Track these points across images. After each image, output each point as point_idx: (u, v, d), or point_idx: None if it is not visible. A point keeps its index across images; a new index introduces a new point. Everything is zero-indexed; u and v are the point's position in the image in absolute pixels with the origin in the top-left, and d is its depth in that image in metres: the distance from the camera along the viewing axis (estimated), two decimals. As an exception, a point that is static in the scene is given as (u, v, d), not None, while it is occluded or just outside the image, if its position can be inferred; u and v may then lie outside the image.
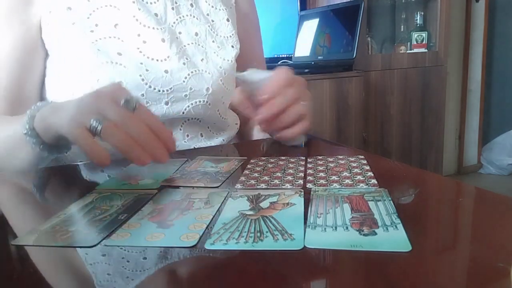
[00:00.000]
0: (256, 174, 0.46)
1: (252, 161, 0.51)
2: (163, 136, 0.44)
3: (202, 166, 0.50)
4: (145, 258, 0.29)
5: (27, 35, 0.65)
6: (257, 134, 0.76)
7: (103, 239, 0.31)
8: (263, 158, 0.53)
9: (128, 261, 0.28)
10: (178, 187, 0.43)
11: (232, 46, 0.75)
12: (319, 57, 1.99)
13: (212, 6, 0.75)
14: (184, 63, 0.67)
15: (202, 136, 0.72)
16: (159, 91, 0.65)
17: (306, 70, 1.79)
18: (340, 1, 2.05)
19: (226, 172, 0.47)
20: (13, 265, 0.30)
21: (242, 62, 0.77)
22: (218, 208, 0.36)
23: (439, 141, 2.31)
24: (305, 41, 2.09)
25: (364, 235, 0.30)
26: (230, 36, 0.76)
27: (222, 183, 0.43)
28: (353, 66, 1.89)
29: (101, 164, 0.43)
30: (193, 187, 0.43)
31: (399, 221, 0.32)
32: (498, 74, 2.94)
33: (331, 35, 1.97)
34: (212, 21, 0.74)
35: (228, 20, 0.76)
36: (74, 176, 0.53)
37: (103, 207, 0.38)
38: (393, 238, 0.29)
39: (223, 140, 0.74)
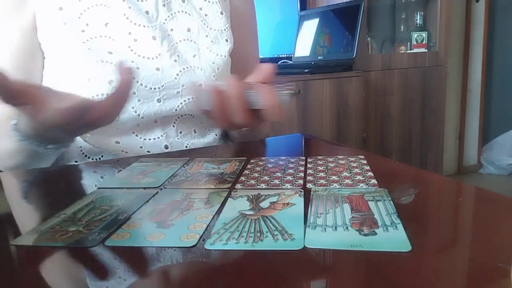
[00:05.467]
0: (256, 174, 0.46)
1: (252, 161, 0.51)
2: None
3: (203, 168, 0.50)
4: (145, 258, 0.29)
5: (25, 39, 0.64)
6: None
7: (103, 239, 0.31)
8: (263, 158, 0.53)
9: (128, 261, 0.28)
10: (186, 189, 0.43)
11: (226, 40, 0.75)
12: (319, 57, 1.99)
13: (205, 0, 0.75)
14: (175, 60, 0.67)
15: (195, 132, 0.73)
16: (151, 88, 0.65)
17: (306, 70, 1.78)
18: (340, 1, 2.05)
19: (232, 172, 0.47)
20: (13, 265, 0.30)
21: (235, 58, 0.76)
22: (218, 208, 0.36)
23: (439, 141, 2.31)
24: (305, 41, 2.09)
25: (364, 235, 0.30)
26: (225, 30, 0.75)
27: (232, 183, 0.43)
28: (353, 66, 1.89)
29: None
30: (203, 189, 0.43)
31: (399, 221, 0.32)
32: (498, 74, 2.94)
33: (331, 35, 1.97)
34: (206, 15, 0.74)
35: (222, 13, 0.75)
36: (74, 176, 0.53)
37: (103, 207, 0.38)
38: (393, 238, 0.29)
39: (216, 135, 0.74)
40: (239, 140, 0.67)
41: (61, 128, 0.51)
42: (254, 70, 0.56)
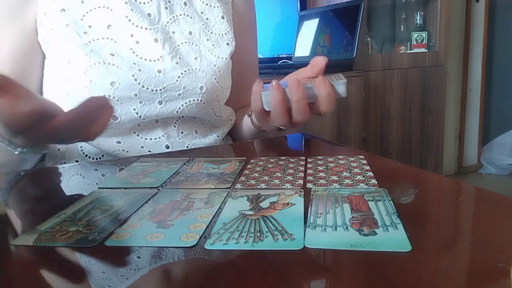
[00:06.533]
0: (256, 174, 0.46)
1: (252, 161, 0.51)
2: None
3: (203, 168, 0.50)
4: (145, 258, 0.29)
5: (25, 40, 0.64)
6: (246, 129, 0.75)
7: (103, 239, 0.31)
8: (263, 158, 0.53)
9: (127, 261, 0.28)
10: (186, 189, 0.43)
11: (228, 44, 0.75)
12: (319, 57, 1.98)
13: (207, 4, 0.75)
14: (177, 63, 0.67)
15: (196, 133, 0.73)
16: (152, 90, 0.65)
17: (306, 70, 1.78)
18: (340, 1, 2.05)
19: (232, 172, 0.47)
20: (13, 265, 0.30)
21: (234, 60, 0.77)
22: (218, 208, 0.36)
23: (439, 141, 2.31)
24: (305, 41, 2.08)
25: (364, 235, 0.30)
26: (225, 33, 0.75)
27: (232, 183, 0.43)
28: (353, 66, 1.89)
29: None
30: (203, 189, 0.43)
31: (399, 221, 0.32)
32: (498, 74, 2.94)
33: (331, 35, 1.97)
34: (207, 19, 0.74)
35: (223, 17, 0.76)
36: (74, 176, 0.53)
37: (103, 207, 0.38)
38: (393, 238, 0.29)
39: (218, 136, 0.75)
40: (273, 135, 0.66)
41: (18, 131, 0.45)
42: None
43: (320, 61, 0.56)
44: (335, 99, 0.54)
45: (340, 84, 0.54)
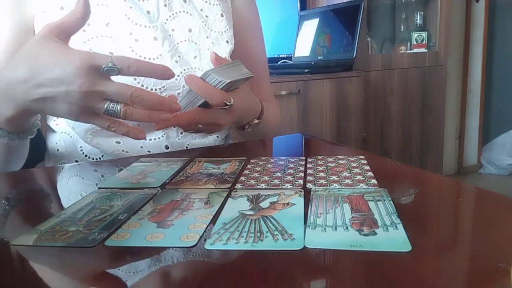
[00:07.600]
0: (256, 174, 0.46)
1: (252, 161, 0.51)
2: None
3: (203, 168, 0.50)
4: (145, 259, 0.29)
5: (19, 38, 0.64)
6: None
7: (103, 239, 0.31)
8: (263, 158, 0.53)
9: (127, 262, 0.28)
10: (186, 189, 0.43)
11: (227, 41, 0.75)
12: (319, 57, 1.99)
13: (206, 1, 0.75)
14: (176, 61, 0.67)
15: (196, 133, 0.73)
16: (151, 89, 0.65)
17: (306, 70, 1.78)
18: (340, 1, 2.05)
19: (232, 172, 0.47)
20: (13, 265, 0.30)
21: (241, 59, 0.76)
22: (218, 208, 0.36)
23: (439, 141, 2.31)
24: (305, 41, 2.08)
25: (364, 235, 0.30)
26: (225, 31, 0.75)
27: (232, 183, 0.43)
28: (353, 66, 1.89)
29: (140, 138, 0.48)
30: (203, 189, 0.43)
31: (399, 221, 0.32)
32: (498, 74, 2.94)
33: (331, 35, 1.97)
34: (206, 16, 0.74)
35: (222, 15, 0.76)
36: (74, 176, 0.53)
37: (103, 207, 0.38)
38: (393, 238, 0.29)
39: (217, 137, 0.75)
40: (247, 138, 0.67)
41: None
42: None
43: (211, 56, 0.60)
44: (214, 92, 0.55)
45: (211, 73, 0.55)
